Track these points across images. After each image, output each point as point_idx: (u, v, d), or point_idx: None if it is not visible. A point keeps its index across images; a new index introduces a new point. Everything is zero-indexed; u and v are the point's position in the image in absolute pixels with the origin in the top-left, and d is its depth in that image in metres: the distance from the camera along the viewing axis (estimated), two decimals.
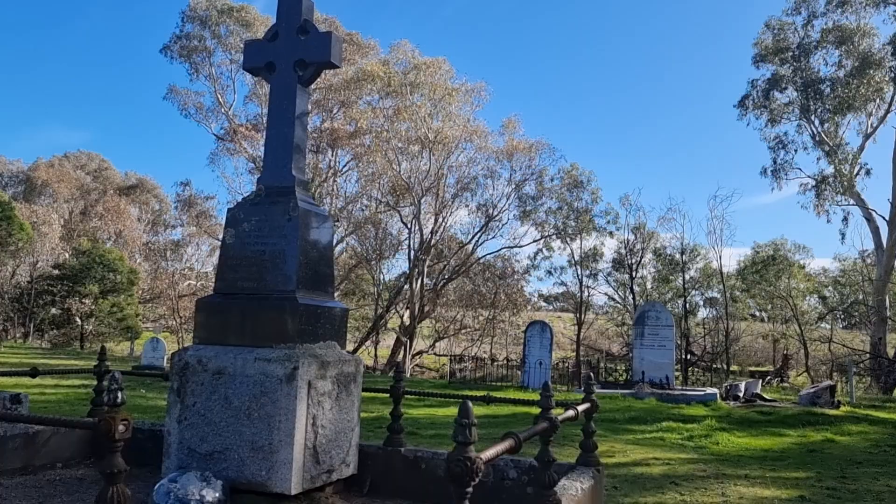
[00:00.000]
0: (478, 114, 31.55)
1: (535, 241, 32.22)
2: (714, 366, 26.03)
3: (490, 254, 32.33)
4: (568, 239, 31.66)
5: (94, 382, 6.87)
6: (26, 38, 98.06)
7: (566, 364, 24.84)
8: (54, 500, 4.95)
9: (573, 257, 32.21)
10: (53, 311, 36.39)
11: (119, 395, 3.00)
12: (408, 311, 30.63)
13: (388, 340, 36.08)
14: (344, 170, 32.58)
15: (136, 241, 47.81)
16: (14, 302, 35.55)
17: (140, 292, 41.34)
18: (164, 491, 4.29)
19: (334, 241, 5.72)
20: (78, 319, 35.72)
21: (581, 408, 4.85)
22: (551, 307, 40.05)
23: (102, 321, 36.04)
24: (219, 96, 34.11)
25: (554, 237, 31.87)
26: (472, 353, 29.78)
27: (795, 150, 28.95)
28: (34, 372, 6.52)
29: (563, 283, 33.78)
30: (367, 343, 33.48)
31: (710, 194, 67.17)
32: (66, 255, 39.65)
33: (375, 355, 33.18)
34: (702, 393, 15.77)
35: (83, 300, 34.99)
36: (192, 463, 4.63)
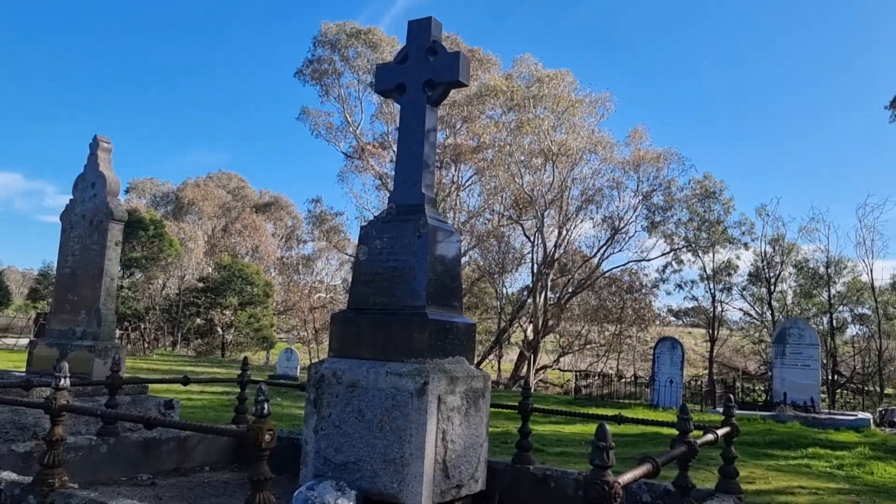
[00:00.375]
0: (602, 124, 30.98)
1: (663, 254, 31.16)
2: (865, 388, 24.01)
3: (616, 267, 31.55)
4: (699, 251, 30.37)
5: (237, 390, 7.30)
6: (175, 74, 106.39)
7: (698, 382, 23.74)
8: (204, 502, 5.28)
9: (705, 270, 30.88)
10: (198, 321, 39.04)
11: (265, 406, 3.17)
12: (531, 325, 30.41)
13: (511, 354, 35.96)
14: (467, 184, 32.94)
15: (271, 256, 50.53)
16: (164, 312, 38.44)
17: (274, 304, 43.59)
18: (301, 498, 4.47)
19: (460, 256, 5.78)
20: (219, 329, 38.13)
21: (721, 431, 4.62)
22: (681, 322, 38.47)
23: (241, 331, 38.29)
24: (347, 116, 35.48)
25: (684, 250, 30.68)
26: (598, 370, 29.10)
27: None
28: (185, 380, 7.00)
29: (693, 298, 32.46)
30: (491, 357, 33.51)
31: (859, 203, 62.15)
32: (210, 269, 42.50)
33: (499, 369, 33.16)
34: (852, 418, 14.59)
35: (224, 311, 37.33)
36: (327, 472, 4.80)
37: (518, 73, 30.24)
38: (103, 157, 8.47)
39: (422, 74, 5.40)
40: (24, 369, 9.18)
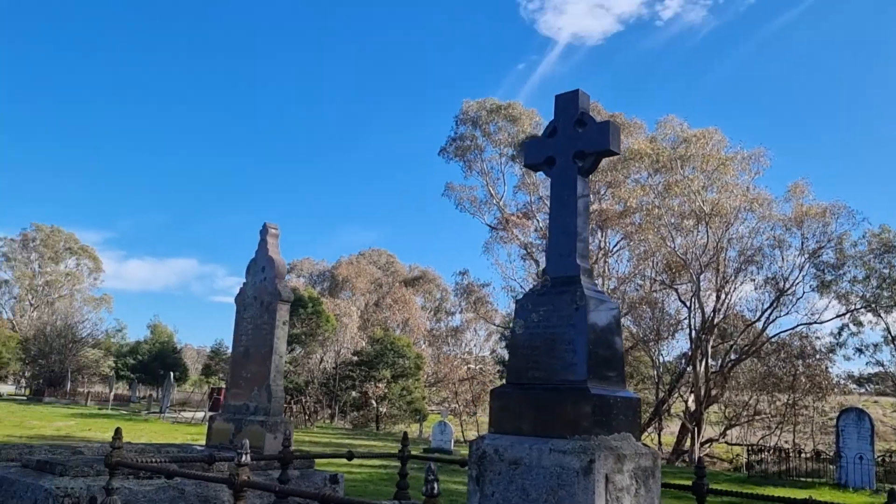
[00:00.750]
0: (758, 181, 29.41)
1: (838, 316, 28.57)
2: None
3: (784, 331, 29.23)
4: (881, 312, 27.58)
5: (395, 464, 7.38)
6: (326, 158, 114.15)
7: (893, 458, 21.13)
8: None
9: (889, 332, 27.92)
10: (353, 394, 40.31)
11: (435, 486, 3.17)
12: (692, 395, 28.69)
13: (671, 427, 33.96)
14: (615, 250, 32.27)
15: (421, 328, 51.67)
16: (322, 386, 40.08)
17: (425, 376, 44.23)
18: None
19: (620, 327, 5.61)
20: (373, 402, 39.12)
21: None
22: (865, 390, 34.77)
23: (394, 404, 39.04)
24: (490, 189, 36.20)
25: (862, 310, 27.99)
26: (772, 443, 26.73)
27: None
28: (350, 455, 7.18)
29: (878, 363, 29.34)
30: (650, 429, 31.83)
31: None
32: (363, 342, 44.04)
33: (659, 442, 31.35)
34: None
35: (377, 384, 38.32)
36: None
37: (662, 135, 29.65)
38: (272, 242, 9.14)
39: (571, 146, 5.41)
40: (203, 442, 9.83)
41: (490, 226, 36.07)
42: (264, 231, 9.25)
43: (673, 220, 28.26)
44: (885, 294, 27.14)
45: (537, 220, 32.77)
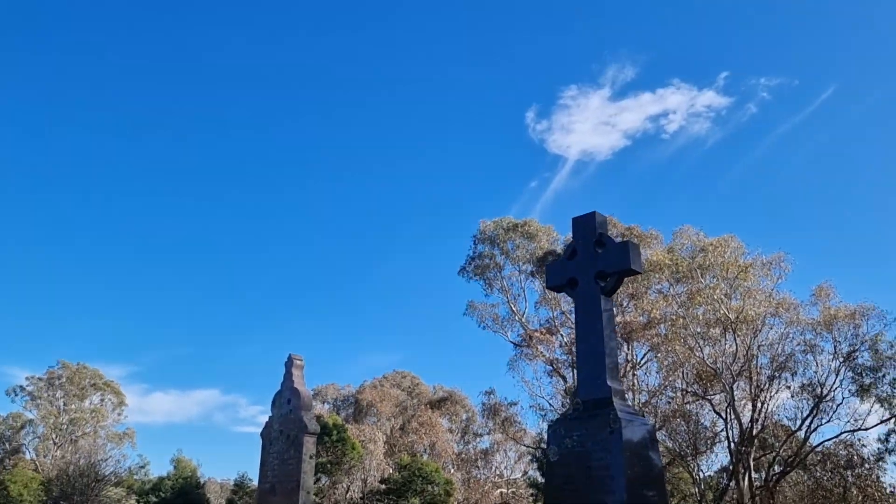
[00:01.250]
0: (782, 285, 29.17)
1: (883, 421, 27.37)
2: None
3: (828, 440, 27.93)
4: None
5: None
6: (346, 284, 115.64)
7: None
8: None
9: None
10: None
11: None
12: None
13: None
14: (642, 362, 31.68)
15: (448, 452, 50.10)
16: None
17: (456, 503, 42.44)
18: None
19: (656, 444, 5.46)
20: None
21: None
22: None
23: None
24: (511, 306, 36.18)
25: None
26: None
27: None
28: None
29: None
30: None
31: None
32: (390, 469, 42.69)
33: None
34: None
35: None
36: None
37: (679, 245, 29.83)
38: (297, 374, 9.11)
39: (593, 267, 5.48)
40: None
41: (514, 343, 35.78)
42: (289, 363, 9.25)
43: (699, 330, 27.90)
44: None
45: (561, 336, 32.47)
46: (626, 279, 24.27)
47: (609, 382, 5.19)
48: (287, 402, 9.17)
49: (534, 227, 35.09)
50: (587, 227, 5.68)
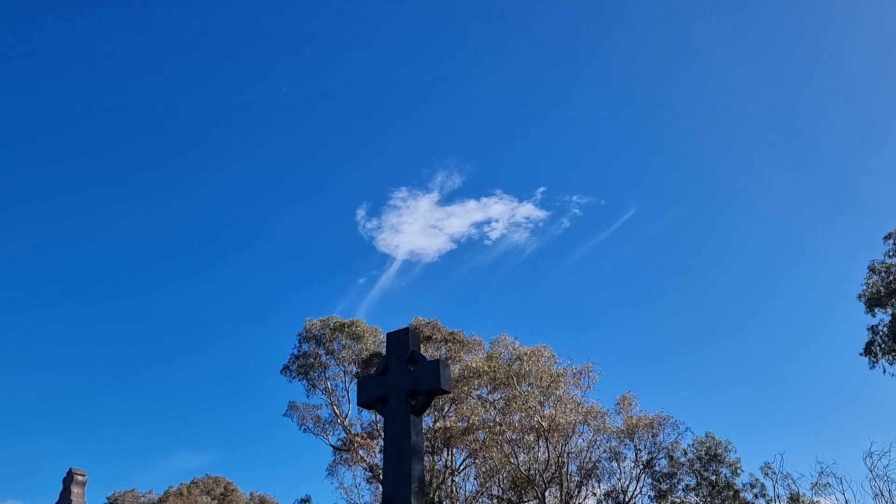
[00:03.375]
0: (591, 395, 30.94)
1: None
2: None
3: None
4: None
5: None
6: (155, 373, 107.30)
7: None
8: None
9: None
10: None
11: None
12: None
13: None
14: (461, 468, 31.74)
15: None
16: None
17: None
18: None
19: None
20: None
21: None
22: None
23: None
24: (335, 408, 35.20)
25: None
26: None
27: None
28: None
29: None
30: None
31: (864, 451, 59.98)
32: None
33: None
34: None
35: None
36: None
37: (497, 352, 30.89)
38: (77, 491, 8.11)
39: (403, 384, 5.46)
40: None
41: (334, 447, 34.60)
42: (69, 478, 8.24)
43: (515, 436, 28.62)
44: (717, 502, 28.32)
45: (382, 440, 31.92)
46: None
47: (413, 502, 5.07)
48: None
49: (360, 328, 34.86)
50: (400, 344, 5.70)
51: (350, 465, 32.72)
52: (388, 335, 5.83)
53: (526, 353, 29.73)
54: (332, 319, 35.80)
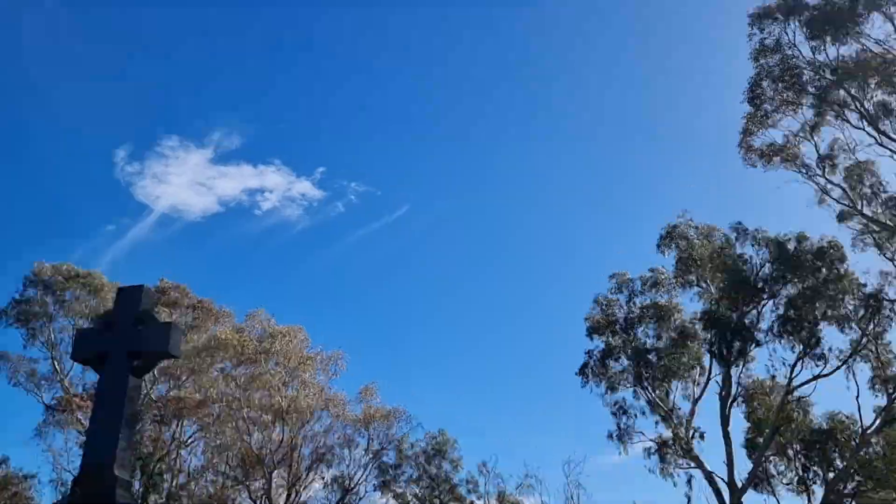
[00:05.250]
0: (336, 382, 31.35)
1: None
2: None
3: None
4: None
5: None
6: None
7: None
8: None
9: None
10: None
11: None
12: None
13: None
14: (189, 441, 30.43)
15: None
16: None
17: None
18: None
19: None
20: None
21: None
22: None
23: None
24: (55, 363, 31.89)
25: None
26: None
27: (635, 415, 30.31)
28: None
29: None
30: None
31: (565, 459, 67.49)
32: None
33: None
34: None
35: None
36: None
37: (251, 327, 30.18)
38: None
39: (127, 343, 5.17)
40: None
41: (48, 405, 31.37)
42: None
43: (253, 415, 28.14)
44: (435, 494, 30.15)
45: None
46: (190, 352, 23.34)
47: (117, 472, 4.84)
48: None
49: (99, 281, 31.89)
50: (131, 301, 5.40)
51: (63, 428, 29.95)
52: (120, 290, 5.50)
53: (281, 332, 29.39)
54: (65, 266, 32.36)
